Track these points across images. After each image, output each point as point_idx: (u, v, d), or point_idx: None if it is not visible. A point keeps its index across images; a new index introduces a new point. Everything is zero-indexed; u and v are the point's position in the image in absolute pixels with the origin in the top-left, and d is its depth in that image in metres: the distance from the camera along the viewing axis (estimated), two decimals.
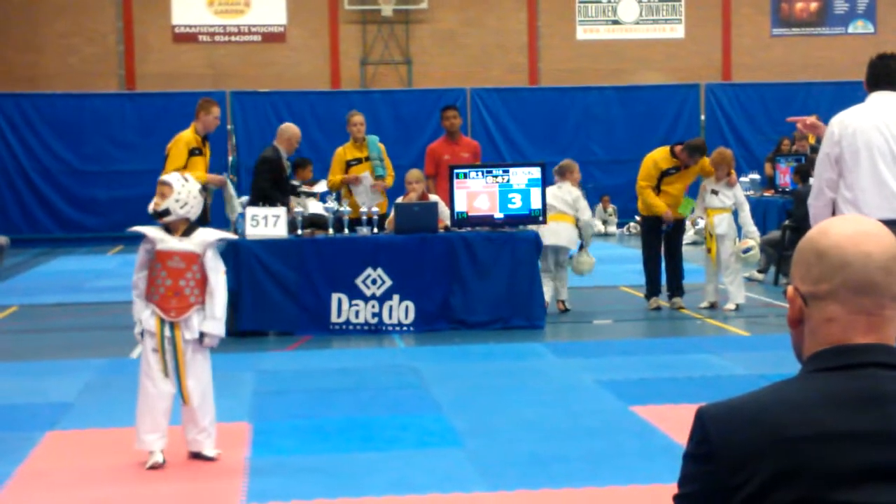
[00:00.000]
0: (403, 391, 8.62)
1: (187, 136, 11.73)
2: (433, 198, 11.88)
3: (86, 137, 24.45)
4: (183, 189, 6.63)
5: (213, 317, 6.62)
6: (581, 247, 12.86)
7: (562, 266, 12.60)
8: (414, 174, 11.96)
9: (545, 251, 12.14)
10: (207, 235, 6.66)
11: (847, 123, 6.60)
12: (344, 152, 12.77)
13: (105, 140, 24.50)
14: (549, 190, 12.33)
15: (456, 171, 11.65)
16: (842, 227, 2.09)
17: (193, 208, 6.66)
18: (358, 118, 12.76)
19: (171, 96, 24.96)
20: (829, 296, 2.07)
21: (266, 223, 11.24)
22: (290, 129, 12.53)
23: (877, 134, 6.54)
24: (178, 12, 26.34)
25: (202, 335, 6.60)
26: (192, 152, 11.62)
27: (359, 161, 12.70)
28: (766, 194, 17.98)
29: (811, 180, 15.14)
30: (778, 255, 14.56)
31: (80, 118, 24.52)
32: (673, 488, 2.12)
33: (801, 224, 13.53)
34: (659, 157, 12.73)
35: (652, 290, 12.77)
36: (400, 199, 11.79)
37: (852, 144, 6.55)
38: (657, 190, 12.59)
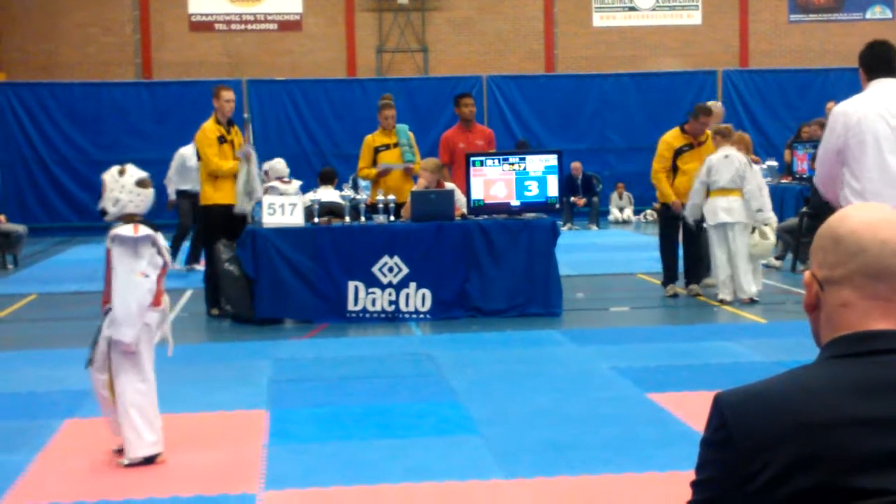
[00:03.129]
0: (420, 379, 8.63)
1: (209, 126, 11.80)
2: (449, 186, 11.88)
3: (103, 126, 24.53)
4: (115, 185, 6.33)
5: (112, 318, 6.35)
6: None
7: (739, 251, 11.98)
8: (429, 163, 11.97)
9: (711, 234, 12.02)
10: (119, 230, 6.30)
11: (850, 113, 6.50)
12: (373, 139, 12.80)
13: (122, 129, 24.57)
14: (713, 159, 11.97)
15: (472, 158, 11.65)
16: (860, 214, 2.10)
17: (131, 203, 6.33)
18: (388, 112, 12.80)
19: (187, 85, 25.02)
20: (845, 280, 2.08)
21: (283, 211, 11.26)
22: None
23: (881, 122, 6.46)
24: (195, 1, 26.36)
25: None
26: (219, 140, 11.67)
27: (387, 147, 12.70)
28: (783, 181, 17.94)
29: None
30: (795, 242, 14.52)
31: (98, 107, 24.60)
32: (690, 475, 2.13)
33: (818, 211, 13.47)
34: (670, 137, 12.73)
35: (669, 276, 12.75)
36: (414, 187, 11.79)
37: (858, 134, 6.45)
38: (674, 171, 12.57)
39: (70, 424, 7.44)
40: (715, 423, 2.06)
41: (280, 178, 16.79)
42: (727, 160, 11.90)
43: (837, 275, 2.09)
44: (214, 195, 11.71)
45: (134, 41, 26.33)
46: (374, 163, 12.70)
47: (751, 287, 12.03)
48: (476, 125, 13.29)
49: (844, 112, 6.53)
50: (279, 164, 18.52)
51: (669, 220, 12.77)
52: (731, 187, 11.89)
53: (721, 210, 11.88)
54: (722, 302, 12.01)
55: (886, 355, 2.02)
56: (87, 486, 6.15)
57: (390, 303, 11.29)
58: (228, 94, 11.89)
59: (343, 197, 11.81)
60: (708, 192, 12.05)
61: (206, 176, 11.77)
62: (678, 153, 12.58)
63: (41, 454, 6.73)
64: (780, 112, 25.98)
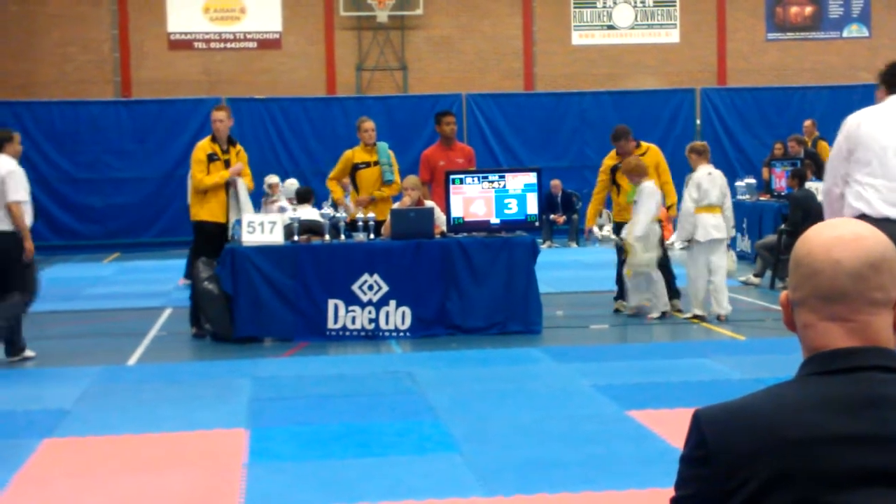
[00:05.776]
0: (400, 397, 8.62)
1: (202, 143, 11.92)
2: (429, 204, 11.89)
3: (82, 145, 24.45)
4: None
5: None
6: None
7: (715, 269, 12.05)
8: (410, 180, 11.99)
9: (698, 251, 12.01)
10: None
11: (861, 122, 6.69)
12: (353, 154, 12.82)
13: (101, 147, 24.50)
14: (700, 177, 11.99)
15: (452, 176, 11.67)
16: (819, 234, 2.10)
17: None
18: (369, 124, 12.89)
19: (166, 103, 24.98)
20: (803, 303, 2.09)
21: (262, 230, 11.25)
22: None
23: (891, 135, 6.62)
24: (174, 19, 26.35)
25: None
26: (210, 157, 11.69)
27: (367, 165, 12.73)
28: (761, 198, 18.03)
29: (807, 184, 15.20)
30: (774, 259, 14.58)
31: (76, 126, 24.52)
32: (670, 492, 2.13)
33: (796, 228, 13.56)
34: (607, 158, 13.15)
35: (620, 293, 12.86)
36: (396, 205, 11.80)
37: (866, 143, 6.62)
38: (617, 188, 12.82)
39: (48, 444, 7.39)
40: (694, 440, 2.06)
41: (290, 199, 16.91)
42: (711, 177, 11.99)
43: (798, 297, 2.10)
44: (200, 211, 11.75)
45: (113, 60, 26.29)
46: (353, 179, 12.77)
47: (727, 304, 12.10)
48: (456, 143, 13.33)
49: (857, 120, 6.75)
50: (292, 186, 18.79)
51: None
52: (717, 204, 12.00)
53: (711, 227, 11.95)
54: (702, 319, 12.04)
55: (861, 372, 2.02)
56: None
57: (370, 321, 11.27)
58: (215, 115, 11.95)
59: (323, 215, 11.80)
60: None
61: (193, 192, 11.84)
62: (613, 170, 12.84)
63: (18, 474, 6.68)
64: (759, 130, 26.09)
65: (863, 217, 6.38)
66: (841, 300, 2.05)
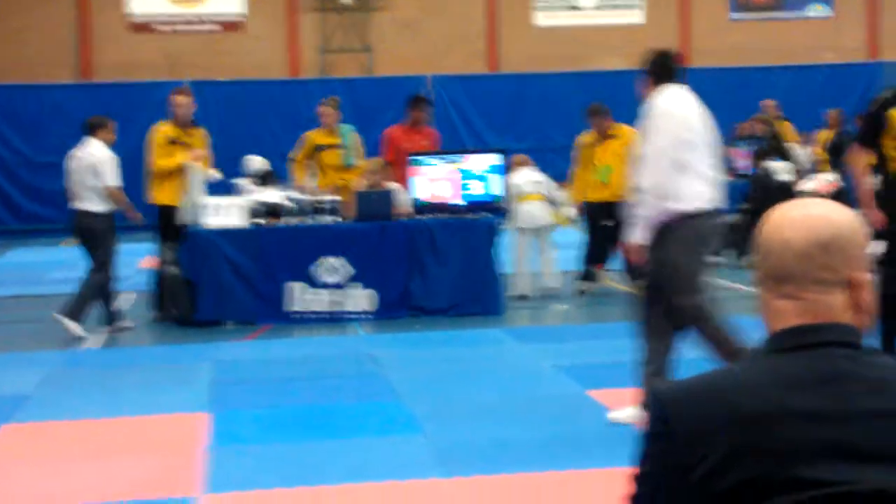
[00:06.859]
0: (363, 379, 8.62)
1: (162, 127, 11.72)
2: (392, 185, 11.86)
3: (42, 129, 24.23)
4: None
5: None
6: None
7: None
8: (371, 163, 11.99)
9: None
10: None
11: (687, 113, 6.94)
12: (314, 136, 12.76)
13: (62, 131, 24.26)
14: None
15: (415, 158, 11.66)
16: (777, 214, 2.14)
17: None
18: (326, 109, 12.77)
19: (128, 86, 24.77)
20: (761, 283, 2.14)
21: (224, 212, 11.19)
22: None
23: (704, 125, 6.95)
24: (135, 1, 26.14)
25: None
26: (172, 141, 11.54)
27: (329, 147, 12.66)
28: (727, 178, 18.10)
29: (770, 164, 15.26)
30: (738, 239, 14.62)
31: (37, 109, 24.30)
32: (631, 471, 2.13)
33: (758, 207, 13.61)
34: (581, 136, 13.11)
35: (585, 273, 12.87)
36: (358, 186, 11.78)
37: (702, 135, 6.89)
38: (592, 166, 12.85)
39: (7, 429, 7.35)
40: (654, 417, 2.07)
41: (251, 177, 16.54)
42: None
43: (757, 277, 2.15)
44: (158, 195, 11.64)
45: (73, 42, 26.06)
46: (316, 160, 12.72)
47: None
48: (423, 126, 13.31)
49: (681, 111, 6.97)
50: (252, 162, 18.33)
51: (587, 216, 12.95)
52: None
53: None
54: None
55: (819, 348, 2.04)
56: (26, 491, 6.08)
57: (333, 303, 11.24)
58: (175, 99, 11.77)
59: (288, 197, 11.74)
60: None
61: (154, 175, 11.66)
62: (590, 149, 12.84)
63: None
64: (722, 110, 26.11)
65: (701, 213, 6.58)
66: (790, 280, 2.08)
